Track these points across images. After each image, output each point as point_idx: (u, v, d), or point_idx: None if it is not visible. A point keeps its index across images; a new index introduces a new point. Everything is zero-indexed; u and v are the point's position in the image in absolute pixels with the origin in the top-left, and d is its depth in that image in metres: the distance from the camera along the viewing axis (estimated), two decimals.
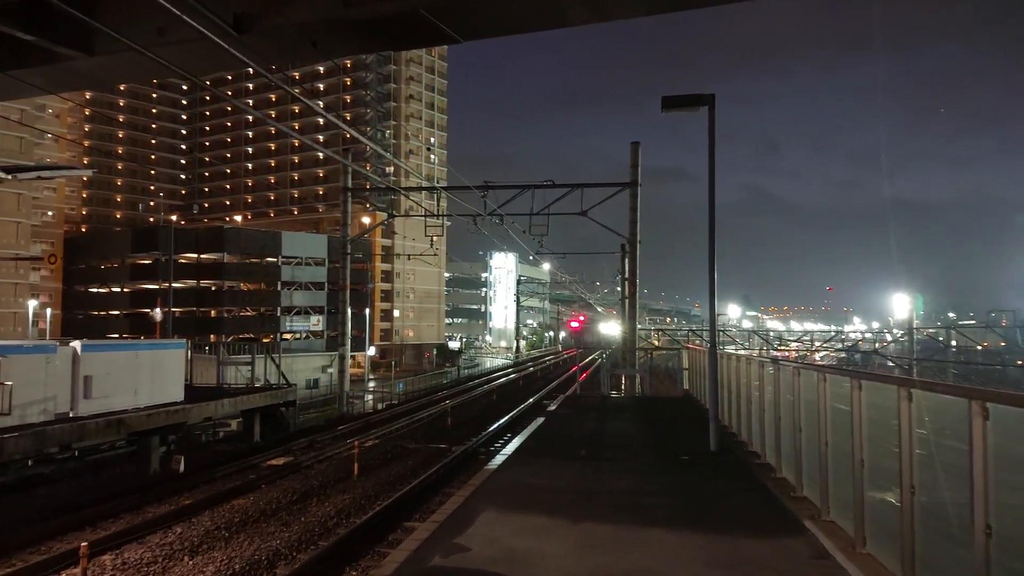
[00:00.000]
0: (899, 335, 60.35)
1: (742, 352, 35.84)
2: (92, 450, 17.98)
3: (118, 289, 74.74)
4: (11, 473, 15.71)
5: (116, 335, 65.18)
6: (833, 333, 68.26)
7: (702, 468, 13.46)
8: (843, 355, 58.01)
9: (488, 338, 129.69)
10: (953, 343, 55.33)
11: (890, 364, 47.85)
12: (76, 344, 18.51)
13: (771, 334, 74.70)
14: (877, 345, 57.38)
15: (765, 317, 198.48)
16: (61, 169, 43.03)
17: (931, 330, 67.64)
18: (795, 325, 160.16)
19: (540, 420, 20.16)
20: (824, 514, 9.13)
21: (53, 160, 77.80)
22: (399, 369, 74.20)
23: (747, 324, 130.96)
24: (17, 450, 15.34)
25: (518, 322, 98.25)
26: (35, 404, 16.80)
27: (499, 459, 13.98)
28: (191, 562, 11.49)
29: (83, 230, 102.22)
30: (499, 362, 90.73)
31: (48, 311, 71.86)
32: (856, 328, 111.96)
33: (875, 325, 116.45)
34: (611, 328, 71.89)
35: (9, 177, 14.68)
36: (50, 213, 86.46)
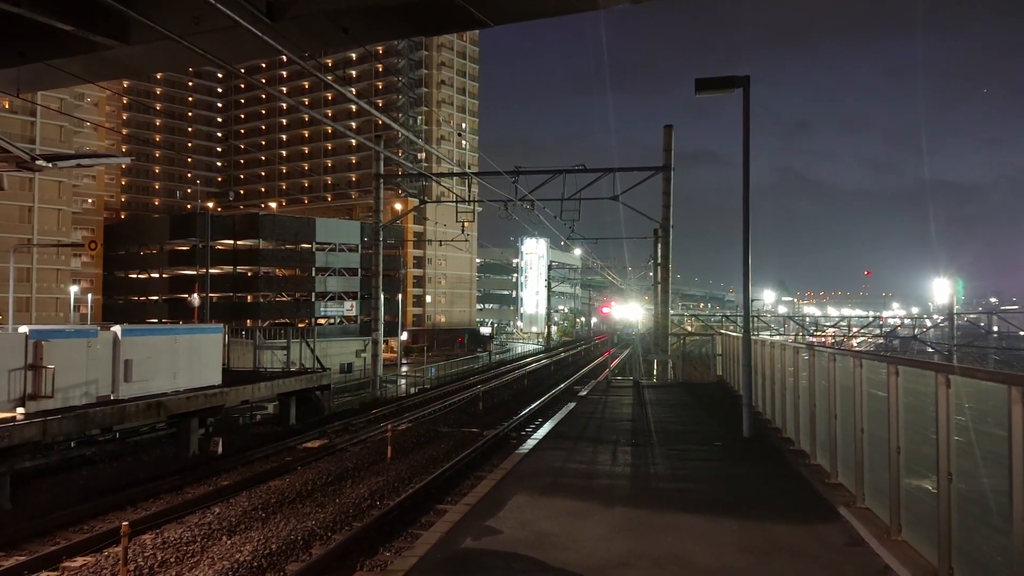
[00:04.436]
0: (939, 320, 59.21)
1: (777, 338, 35.46)
2: (133, 432, 18.36)
3: (157, 275, 76.05)
4: (54, 454, 16.12)
5: (155, 320, 66.43)
6: (871, 319, 67.14)
7: (735, 454, 13.39)
8: (881, 341, 57.10)
9: (519, 323, 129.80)
10: (995, 328, 54.14)
11: (929, 350, 46.98)
12: (116, 329, 18.85)
13: (807, 320, 73.73)
14: (916, 331, 56.35)
15: (801, 303, 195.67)
16: (100, 157, 43.88)
17: (972, 315, 66.22)
18: (832, 311, 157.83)
19: (571, 405, 20.21)
20: (859, 501, 9.04)
21: (92, 148, 79.28)
22: (431, 354, 74.62)
23: (782, 310, 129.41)
24: (60, 432, 15.71)
25: (549, 308, 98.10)
26: (77, 387, 17.19)
27: (530, 443, 14.05)
28: (229, 541, 11.71)
29: (122, 217, 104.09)
30: (530, 347, 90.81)
31: (89, 296, 73.44)
32: (895, 313, 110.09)
33: (914, 310, 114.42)
34: (631, 311, 70.48)
35: (50, 165, 14.98)
36: (90, 200, 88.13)
